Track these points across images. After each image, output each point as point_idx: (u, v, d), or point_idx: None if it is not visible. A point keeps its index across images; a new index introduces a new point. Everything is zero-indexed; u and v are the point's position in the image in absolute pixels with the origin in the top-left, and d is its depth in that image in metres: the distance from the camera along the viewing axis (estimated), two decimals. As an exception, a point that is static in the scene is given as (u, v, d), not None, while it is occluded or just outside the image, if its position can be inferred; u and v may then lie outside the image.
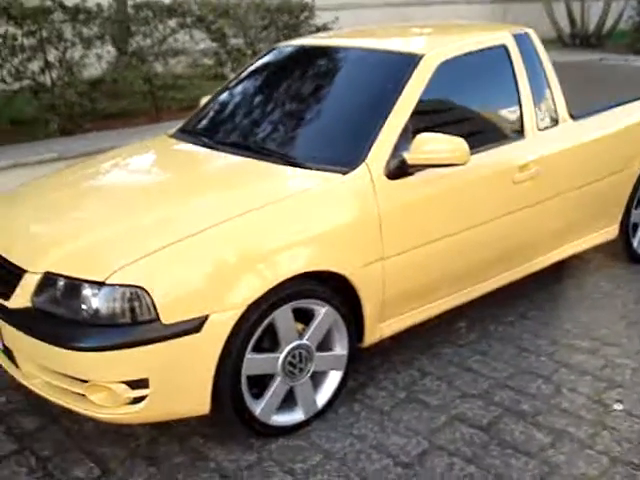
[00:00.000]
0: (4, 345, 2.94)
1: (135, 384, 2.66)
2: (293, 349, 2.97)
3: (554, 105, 3.93)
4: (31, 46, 5.94)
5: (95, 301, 2.62)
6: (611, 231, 4.49)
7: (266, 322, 2.85)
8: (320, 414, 3.16)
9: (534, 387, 3.44)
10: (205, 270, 2.72)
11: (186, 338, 2.64)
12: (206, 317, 2.67)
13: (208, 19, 6.37)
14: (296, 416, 3.08)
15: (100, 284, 2.62)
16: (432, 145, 3.17)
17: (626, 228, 4.58)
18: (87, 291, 2.64)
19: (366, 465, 2.91)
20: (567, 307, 4.22)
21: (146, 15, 6.34)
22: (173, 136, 3.92)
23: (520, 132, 3.76)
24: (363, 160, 3.16)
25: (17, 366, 2.92)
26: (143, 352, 2.61)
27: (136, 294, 2.60)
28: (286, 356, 2.95)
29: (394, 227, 3.18)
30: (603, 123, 4.26)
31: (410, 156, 3.17)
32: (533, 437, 3.09)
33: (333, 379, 3.17)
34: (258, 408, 2.95)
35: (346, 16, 8.17)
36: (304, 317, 3.03)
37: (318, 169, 3.18)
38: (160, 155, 3.85)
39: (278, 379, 2.97)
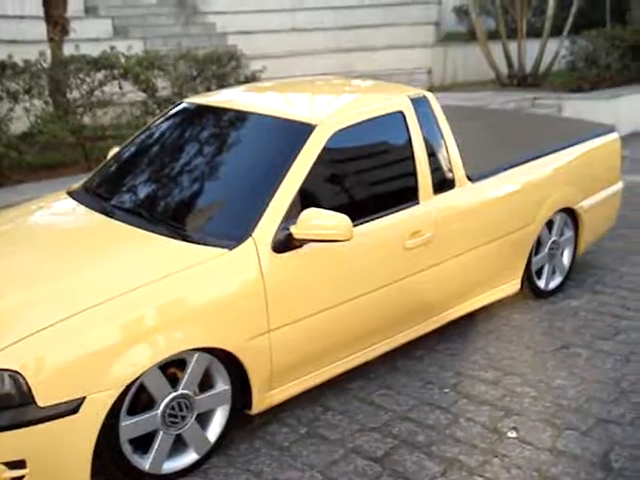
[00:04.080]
0: None
1: (12, 465, 2.69)
2: (170, 401, 2.98)
3: (451, 169, 3.97)
4: (-43, 101, 6.04)
5: None
6: (512, 286, 4.57)
7: (135, 387, 2.86)
8: (217, 449, 3.21)
9: (433, 418, 3.54)
10: (82, 352, 2.73)
11: (63, 419, 2.68)
12: (83, 398, 2.70)
13: (135, 70, 6.52)
14: (189, 457, 3.12)
15: None
16: (317, 221, 3.18)
17: (530, 277, 4.69)
18: None
19: (258, 500, 2.99)
20: (476, 340, 4.34)
21: (74, 69, 6.47)
22: (73, 195, 3.87)
23: (414, 198, 3.77)
24: (250, 234, 3.17)
25: None
26: (19, 434, 2.64)
27: (12, 377, 2.63)
28: (164, 410, 2.97)
29: (280, 300, 3.21)
30: (501, 184, 4.30)
31: (296, 231, 3.19)
32: (424, 467, 3.18)
33: (221, 413, 3.19)
34: (147, 464, 2.98)
35: (277, 64, 8.34)
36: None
37: (205, 243, 3.17)
38: (54, 221, 3.82)
39: (161, 433, 3.00)
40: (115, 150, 4.29)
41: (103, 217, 3.51)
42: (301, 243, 3.24)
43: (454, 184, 3.99)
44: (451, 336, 4.31)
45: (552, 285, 4.90)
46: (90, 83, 6.58)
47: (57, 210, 3.88)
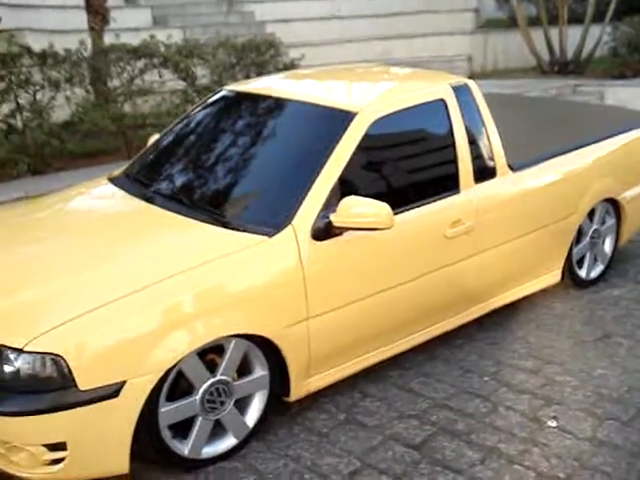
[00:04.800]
0: None
1: (53, 447, 2.74)
2: (208, 388, 3.00)
3: (492, 157, 3.92)
4: (1, 90, 6.14)
5: (15, 366, 2.69)
6: (553, 276, 4.53)
7: (173, 373, 2.88)
8: (256, 435, 3.24)
9: (472, 406, 3.52)
10: (122, 337, 2.76)
11: (103, 403, 2.72)
12: (124, 382, 2.74)
13: (174, 59, 6.57)
14: (228, 442, 3.15)
15: (19, 351, 2.67)
16: (357, 209, 3.17)
17: (571, 267, 4.63)
18: (7, 356, 2.70)
19: (296, 485, 3.01)
20: (516, 329, 4.30)
21: (115, 57, 6.54)
22: (114, 181, 3.92)
23: (455, 186, 3.74)
24: (289, 222, 3.16)
25: None
26: (60, 417, 2.69)
27: (54, 361, 2.67)
28: (202, 396, 2.99)
29: (319, 287, 3.20)
30: (543, 173, 4.25)
31: (336, 219, 3.18)
32: (463, 455, 3.17)
33: (260, 399, 3.21)
34: (186, 449, 3.02)
35: (316, 52, 8.33)
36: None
37: (245, 230, 3.17)
38: (95, 206, 3.85)
39: (200, 419, 3.02)
40: (155, 137, 4.33)
41: (143, 203, 3.55)
42: (341, 231, 3.23)
43: (495, 173, 3.95)
44: (491, 325, 4.28)
45: (593, 274, 4.83)
46: (130, 72, 6.67)
47: (97, 195, 3.93)
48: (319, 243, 3.21)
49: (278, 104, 3.80)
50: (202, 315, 2.93)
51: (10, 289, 2.98)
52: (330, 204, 3.23)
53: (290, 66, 7.53)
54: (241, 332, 3.02)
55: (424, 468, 3.09)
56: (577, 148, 4.50)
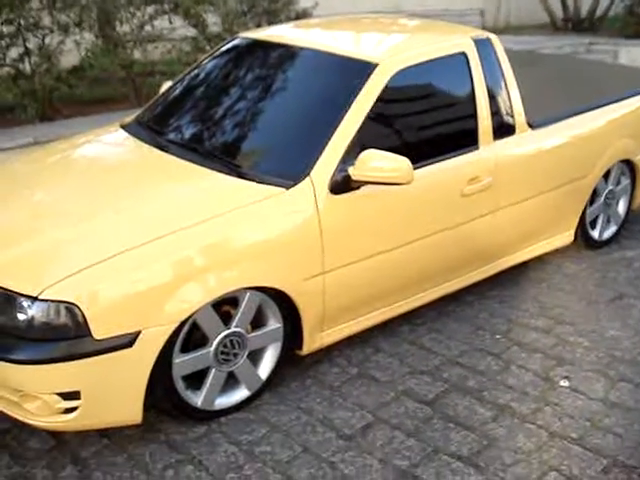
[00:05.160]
0: None
1: (67, 395, 2.72)
2: (222, 339, 2.99)
3: (512, 114, 3.86)
4: (10, 33, 6.01)
5: (29, 315, 2.65)
6: (567, 236, 4.50)
7: (188, 324, 2.86)
8: (269, 387, 3.24)
9: (484, 364, 3.52)
10: (138, 287, 2.73)
11: (118, 353, 2.69)
12: (138, 332, 2.72)
13: (185, 4, 6.42)
14: (241, 394, 3.15)
15: (33, 298, 2.63)
16: (377, 163, 3.12)
17: (584, 227, 4.59)
18: (21, 303, 2.66)
19: (309, 437, 3.00)
20: (528, 288, 4.29)
21: (125, 2, 6.39)
22: (126, 128, 3.84)
23: (474, 143, 3.68)
24: (307, 174, 3.12)
25: None
26: (74, 366, 2.66)
27: (68, 309, 2.64)
28: (216, 348, 2.98)
29: (335, 242, 3.17)
30: (562, 132, 4.18)
31: (354, 172, 3.13)
32: (475, 412, 3.18)
33: (273, 351, 3.20)
34: (199, 400, 3.02)
35: (323, 3, 8.13)
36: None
37: (262, 181, 3.12)
38: (107, 153, 3.78)
39: (213, 370, 3.02)
40: (168, 84, 4.25)
41: (157, 151, 3.48)
42: (359, 185, 3.19)
43: (514, 130, 3.89)
44: (503, 283, 4.26)
45: (606, 235, 4.80)
46: (140, 17, 6.52)
47: (110, 142, 3.87)
48: (336, 196, 3.16)
49: (295, 53, 3.72)
50: (217, 267, 2.89)
51: (23, 236, 2.93)
52: (348, 157, 3.17)
53: (302, 15, 7.38)
54: (255, 285, 2.99)
55: (436, 424, 3.09)
56: (596, 108, 4.44)
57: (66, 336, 2.67)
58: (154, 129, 3.75)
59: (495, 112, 3.78)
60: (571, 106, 4.35)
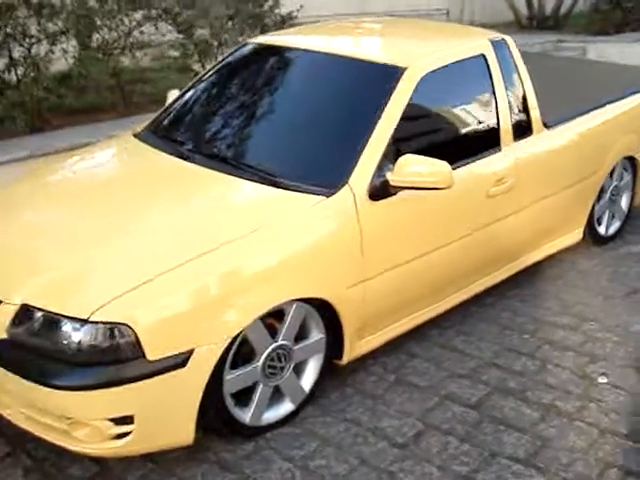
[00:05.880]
0: None
1: (120, 420, 2.61)
2: (270, 353, 2.93)
3: (529, 114, 3.88)
4: (-5, 43, 5.82)
5: (78, 338, 2.53)
6: (577, 234, 4.54)
7: (238, 340, 2.78)
8: (310, 399, 3.18)
9: (519, 364, 3.51)
10: (189, 304, 2.65)
11: (171, 373, 2.59)
12: (191, 351, 2.62)
13: (174, 11, 6.30)
14: (285, 407, 3.08)
15: (83, 321, 2.53)
16: (416, 168, 3.08)
17: (591, 224, 4.63)
18: (69, 327, 2.55)
19: (362, 448, 2.95)
20: (545, 286, 4.31)
21: (111, 8, 6.25)
22: (141, 138, 3.72)
23: (496, 144, 3.69)
24: (346, 181, 3.06)
25: None
26: (128, 390, 2.55)
27: (120, 331, 2.53)
28: (264, 362, 2.92)
29: (375, 248, 3.12)
30: (574, 131, 4.22)
31: (393, 178, 3.09)
32: (523, 413, 3.16)
33: (316, 362, 3.15)
34: (247, 417, 2.94)
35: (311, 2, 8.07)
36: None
37: (299, 190, 3.05)
38: (129, 165, 3.65)
39: (261, 385, 2.95)
40: (174, 92, 4.15)
41: (181, 161, 3.36)
42: (396, 191, 3.15)
43: (532, 130, 3.91)
44: (520, 282, 4.25)
45: (611, 230, 4.86)
46: (128, 24, 6.37)
47: (128, 153, 3.73)
48: (375, 203, 3.12)
49: (318, 58, 3.65)
50: (266, 280, 2.83)
51: (59, 257, 2.81)
52: (385, 162, 3.14)
53: (288, 19, 7.30)
54: (302, 296, 2.93)
55: (486, 427, 3.07)
56: (602, 106, 4.50)
57: (118, 359, 2.55)
58: (173, 138, 3.65)
59: (514, 113, 3.80)
60: (579, 105, 4.40)
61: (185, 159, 3.39)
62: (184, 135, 3.66)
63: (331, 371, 3.33)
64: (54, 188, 3.46)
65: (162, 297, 2.62)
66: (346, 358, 3.25)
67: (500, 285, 4.12)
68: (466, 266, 3.69)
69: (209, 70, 4.05)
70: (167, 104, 4.05)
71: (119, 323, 2.53)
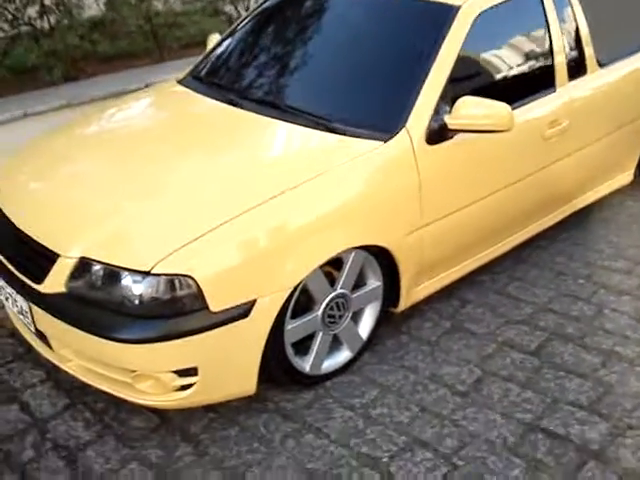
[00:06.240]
0: (36, 329, 2.81)
1: (184, 372, 2.59)
2: (329, 302, 2.90)
3: (583, 53, 3.74)
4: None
5: (140, 291, 2.50)
6: (627, 176, 4.43)
7: (299, 289, 2.75)
8: (367, 346, 3.16)
9: (576, 309, 3.46)
10: (252, 253, 2.59)
11: (234, 324, 2.56)
12: (254, 301, 2.59)
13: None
14: (343, 355, 3.07)
15: (145, 273, 2.49)
16: (475, 110, 2.97)
17: None
18: (130, 280, 2.51)
19: (423, 396, 2.94)
20: (597, 229, 4.23)
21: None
22: (186, 84, 3.64)
23: (551, 85, 3.57)
24: (403, 125, 2.96)
25: (51, 349, 2.82)
26: (192, 342, 2.52)
27: (183, 283, 2.49)
28: (324, 311, 2.89)
29: (433, 194, 3.04)
30: (628, 69, 4.06)
31: (451, 121, 2.99)
32: (583, 359, 3.13)
33: (372, 309, 3.12)
34: (307, 365, 2.93)
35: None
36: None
37: (355, 135, 2.96)
38: (178, 113, 3.52)
39: (320, 334, 2.93)
40: (215, 36, 4.04)
41: (231, 107, 3.28)
42: (453, 134, 3.06)
43: (586, 70, 3.78)
44: (570, 225, 4.18)
45: (660, 172, 4.73)
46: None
47: (176, 100, 3.63)
48: (432, 147, 3.03)
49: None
50: (326, 228, 2.77)
51: (114, 209, 2.74)
52: (441, 105, 3.04)
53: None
54: (363, 243, 2.88)
55: (547, 374, 3.04)
56: None
57: (181, 311, 2.52)
58: (219, 84, 3.56)
59: (569, 52, 3.66)
60: (630, 44, 4.20)
61: (234, 105, 3.30)
62: (231, 80, 3.56)
63: (385, 318, 3.31)
64: (103, 137, 3.38)
65: (223, 248, 2.57)
66: (402, 305, 3.22)
67: (550, 229, 4.04)
68: (521, 210, 3.61)
69: (253, 11, 3.90)
70: (208, 49, 3.96)
71: (181, 275, 2.49)
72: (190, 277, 2.49)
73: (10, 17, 5.70)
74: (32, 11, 5.85)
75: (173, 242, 2.54)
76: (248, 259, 2.60)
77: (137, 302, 2.52)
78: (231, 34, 3.88)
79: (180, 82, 3.72)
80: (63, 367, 2.83)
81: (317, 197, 2.78)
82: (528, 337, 3.27)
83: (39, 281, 2.68)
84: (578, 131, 3.72)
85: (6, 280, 2.89)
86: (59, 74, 5.64)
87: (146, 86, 5.24)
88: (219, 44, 3.89)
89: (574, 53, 3.71)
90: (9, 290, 2.88)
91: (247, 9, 6.34)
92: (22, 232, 2.81)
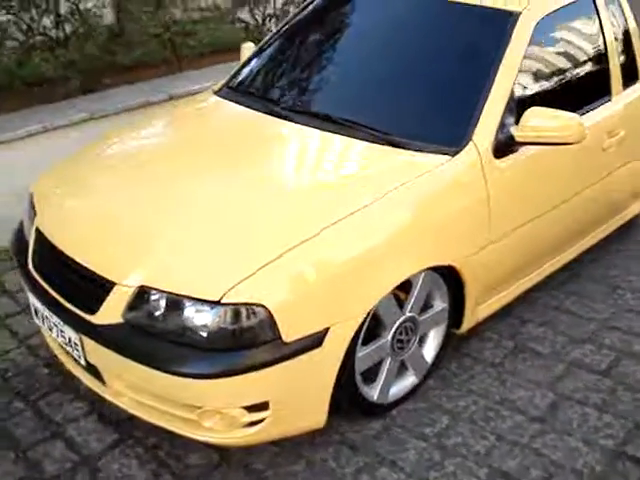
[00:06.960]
0: (87, 361, 2.63)
1: (254, 408, 2.43)
2: (399, 326, 2.75)
3: (635, 59, 3.64)
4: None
5: (206, 321, 2.33)
6: None
7: (370, 315, 2.59)
8: (431, 372, 3.02)
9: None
10: (324, 279, 2.43)
11: (307, 354, 2.40)
12: (327, 330, 2.42)
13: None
14: (409, 381, 2.93)
15: (214, 303, 2.32)
16: (544, 121, 2.85)
17: None
18: (196, 310, 2.35)
19: (497, 423, 2.79)
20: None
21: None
22: (225, 96, 3.46)
23: (607, 93, 3.47)
24: (470, 138, 2.84)
25: (104, 383, 2.64)
26: (264, 374, 2.36)
27: (254, 312, 2.32)
28: (393, 336, 2.75)
29: (501, 209, 2.91)
30: None
31: (519, 133, 2.87)
32: (658, 379, 3.00)
33: (437, 332, 2.98)
34: (375, 394, 2.78)
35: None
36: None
37: (420, 149, 2.82)
38: (223, 128, 3.32)
39: (389, 360, 2.78)
40: (249, 45, 3.87)
41: (281, 121, 3.11)
42: (519, 147, 2.92)
43: (638, 77, 3.67)
44: (618, 238, 4.04)
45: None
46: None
47: (219, 114, 3.45)
48: (499, 160, 2.89)
49: (424, 3, 3.39)
50: (397, 250, 2.61)
51: (178, 231, 2.56)
52: (507, 116, 2.90)
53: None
54: (433, 264, 2.73)
55: (623, 396, 2.91)
56: None
57: (252, 342, 2.35)
58: (262, 96, 3.39)
59: (623, 59, 3.56)
60: None
61: (283, 118, 3.13)
62: (277, 92, 3.41)
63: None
64: (146, 154, 3.16)
65: (293, 274, 2.40)
66: (465, 327, 3.08)
67: (600, 240, 3.92)
68: (579, 222, 3.50)
69: (294, 16, 3.74)
70: (244, 59, 3.79)
71: (253, 304, 2.32)
72: (262, 306, 2.32)
73: (25, 27, 5.49)
74: (47, 21, 5.66)
75: (241, 269, 2.37)
76: (319, 286, 2.43)
77: (204, 333, 2.34)
78: (271, 42, 3.71)
79: (217, 93, 3.54)
80: (116, 402, 2.64)
81: (388, 217, 2.62)
82: (596, 356, 3.14)
83: (92, 311, 2.50)
84: (632, 141, 3.62)
85: (52, 310, 2.69)
86: (77, 85, 5.44)
87: (170, 98, 5.13)
88: (257, 54, 3.72)
89: (627, 60, 3.61)
90: (55, 320, 2.69)
91: (264, 16, 6.17)
92: (70, 259, 2.63)
